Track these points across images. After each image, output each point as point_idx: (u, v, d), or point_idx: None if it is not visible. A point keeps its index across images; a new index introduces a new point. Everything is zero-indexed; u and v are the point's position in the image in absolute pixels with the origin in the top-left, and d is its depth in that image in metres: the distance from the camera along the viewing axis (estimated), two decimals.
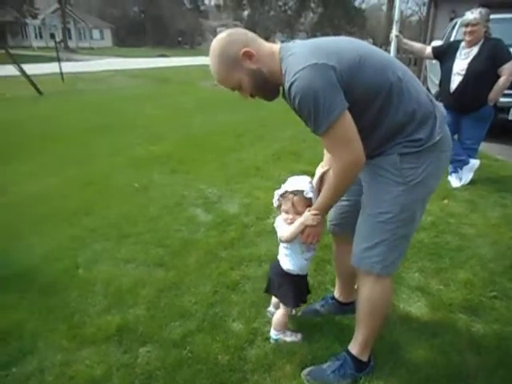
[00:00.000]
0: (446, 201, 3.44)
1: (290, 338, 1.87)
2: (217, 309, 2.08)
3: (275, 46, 1.44)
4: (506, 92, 3.66)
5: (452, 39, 5.66)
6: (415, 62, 13.64)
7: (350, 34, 33.93)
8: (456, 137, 3.81)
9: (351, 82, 1.31)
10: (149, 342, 1.86)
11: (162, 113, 7.95)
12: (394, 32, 3.95)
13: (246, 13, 51.39)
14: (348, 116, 1.31)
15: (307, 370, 1.69)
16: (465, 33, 3.52)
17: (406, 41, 3.94)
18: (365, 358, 1.65)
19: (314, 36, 48.37)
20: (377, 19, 48.83)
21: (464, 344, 1.85)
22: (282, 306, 1.84)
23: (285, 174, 4.12)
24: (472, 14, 3.41)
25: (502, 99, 3.77)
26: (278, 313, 1.86)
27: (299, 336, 1.89)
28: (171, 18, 47.35)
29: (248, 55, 1.38)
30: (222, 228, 2.96)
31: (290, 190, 1.66)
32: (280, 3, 48.83)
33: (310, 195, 1.63)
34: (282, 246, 1.78)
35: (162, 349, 1.82)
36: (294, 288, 1.79)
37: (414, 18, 42.17)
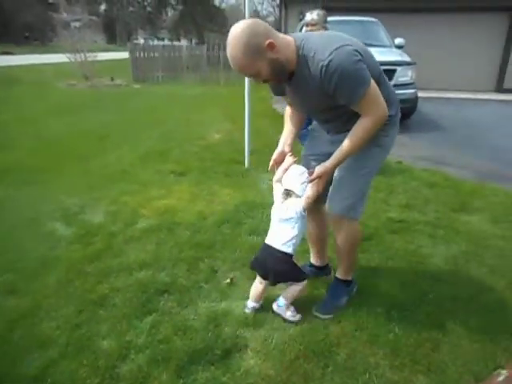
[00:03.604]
0: None
1: (290, 314, 1.97)
2: (83, 329, 1.90)
3: (288, 37, 1.65)
4: None
5: None
6: None
7: (211, 31, 34.41)
8: None
9: (367, 64, 1.61)
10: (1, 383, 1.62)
11: (11, 117, 6.97)
12: None
13: (102, 7, 48.33)
14: (373, 80, 1.63)
15: (314, 308, 2.04)
16: (307, 32, 3.84)
17: None
18: (350, 278, 2.17)
19: (177, 34, 47.80)
20: (237, 18, 50.42)
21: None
22: (296, 283, 1.98)
23: (153, 176, 4.04)
24: (311, 15, 3.74)
25: None
26: (293, 287, 1.98)
27: (297, 317, 1.98)
28: (14, 10, 41.70)
29: (271, 46, 1.54)
30: (86, 240, 2.73)
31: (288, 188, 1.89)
32: None
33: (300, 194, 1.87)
34: (288, 225, 1.87)
35: None
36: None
37: (271, 19, 44.79)
